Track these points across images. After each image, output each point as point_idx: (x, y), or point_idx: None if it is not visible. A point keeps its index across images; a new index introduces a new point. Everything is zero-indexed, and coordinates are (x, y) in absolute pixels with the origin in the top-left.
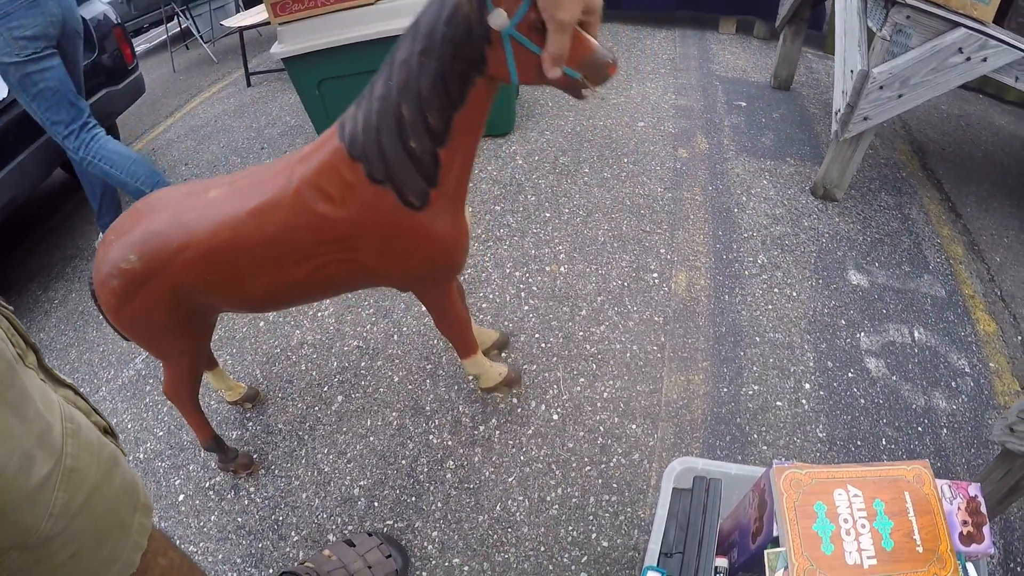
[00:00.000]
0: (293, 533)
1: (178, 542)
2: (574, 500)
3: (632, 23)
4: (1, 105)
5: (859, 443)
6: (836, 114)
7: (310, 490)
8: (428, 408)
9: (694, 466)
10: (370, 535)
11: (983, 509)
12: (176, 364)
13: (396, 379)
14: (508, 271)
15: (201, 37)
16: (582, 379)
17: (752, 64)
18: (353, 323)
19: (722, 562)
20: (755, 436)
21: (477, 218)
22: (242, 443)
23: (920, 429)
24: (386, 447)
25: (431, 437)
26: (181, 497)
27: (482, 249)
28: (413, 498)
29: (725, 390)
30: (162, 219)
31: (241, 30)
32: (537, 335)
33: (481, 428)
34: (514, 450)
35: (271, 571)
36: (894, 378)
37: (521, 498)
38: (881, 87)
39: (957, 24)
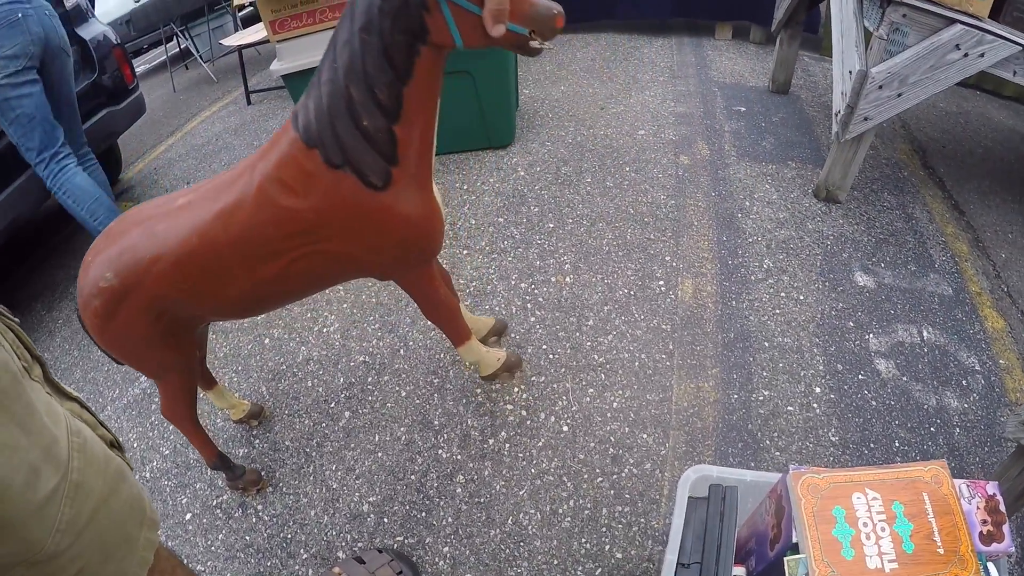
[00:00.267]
0: (302, 551)
1: (186, 561)
2: (586, 512)
3: (628, 32)
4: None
5: (872, 445)
6: (836, 116)
7: (319, 507)
8: (436, 422)
9: (709, 474)
10: (380, 552)
11: (1002, 507)
12: (168, 382)
13: (403, 394)
14: (513, 283)
15: (200, 57)
16: (591, 389)
17: (749, 69)
18: (359, 338)
19: (740, 571)
20: (767, 442)
21: (480, 230)
22: (249, 461)
23: (933, 429)
24: (395, 462)
25: (440, 451)
26: (188, 516)
27: (486, 261)
28: (423, 513)
29: (735, 396)
30: (134, 234)
31: (240, 49)
32: (544, 346)
33: (491, 441)
34: (524, 463)
35: None
36: (904, 379)
37: (533, 511)
38: (880, 87)
39: (953, 20)
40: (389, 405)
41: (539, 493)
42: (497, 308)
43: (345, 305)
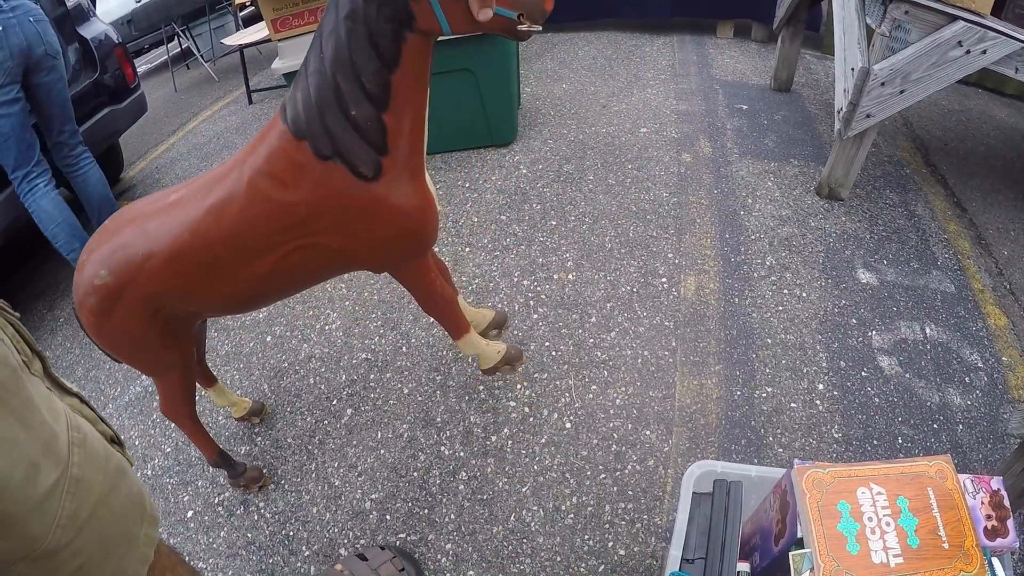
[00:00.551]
0: (304, 548)
1: (188, 558)
2: (589, 509)
3: (630, 31)
4: None
5: (875, 442)
6: (838, 113)
7: (321, 504)
8: (439, 419)
9: (713, 469)
10: (383, 549)
11: (1006, 502)
12: (167, 380)
13: (406, 391)
14: (516, 280)
15: (202, 56)
16: (594, 386)
17: (751, 67)
18: (361, 335)
19: (744, 566)
20: (770, 439)
21: (483, 228)
22: (251, 458)
23: (936, 426)
24: (397, 459)
25: (443, 448)
26: (190, 513)
27: (489, 259)
28: (426, 510)
29: (738, 393)
30: (127, 232)
31: (242, 48)
32: (547, 343)
33: (493, 438)
34: (527, 460)
35: None
36: (907, 375)
37: (536, 508)
38: (882, 84)
39: (955, 17)
40: (391, 402)
41: (542, 490)
42: (500, 305)
43: (347, 302)
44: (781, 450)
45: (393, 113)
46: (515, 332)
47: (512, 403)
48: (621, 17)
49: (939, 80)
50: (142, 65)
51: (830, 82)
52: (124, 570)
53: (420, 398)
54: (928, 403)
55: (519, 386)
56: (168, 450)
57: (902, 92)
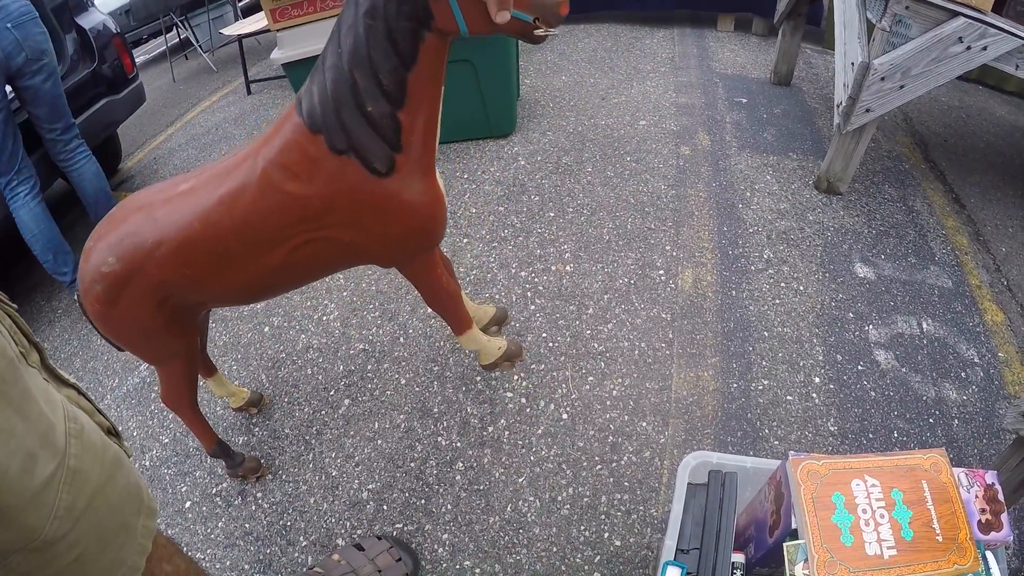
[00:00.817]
0: (301, 538)
1: (185, 549)
2: (586, 499)
3: (630, 23)
4: None
5: (871, 436)
6: (838, 107)
7: (318, 494)
8: (436, 410)
9: (709, 460)
10: (380, 539)
11: (1000, 497)
12: (170, 369)
13: (403, 381)
14: (514, 271)
15: (200, 47)
16: (591, 377)
17: (751, 61)
18: (359, 326)
19: (739, 557)
20: (766, 431)
21: (481, 219)
22: (249, 448)
23: (931, 420)
24: (394, 450)
25: (439, 439)
26: (188, 504)
27: (487, 250)
28: (422, 501)
29: (735, 386)
30: (136, 219)
31: (240, 38)
32: (544, 334)
33: (490, 429)
34: (524, 450)
35: None
36: (904, 370)
37: (532, 499)
38: (882, 78)
39: (956, 13)
40: (388, 393)
41: (538, 481)
42: (497, 296)
43: (345, 293)
44: (777, 442)
45: (408, 111)
46: (512, 323)
47: (509, 394)
48: (623, 10)
49: (939, 76)
50: (140, 55)
51: (830, 76)
52: (122, 561)
53: (417, 389)
54: (924, 398)
55: (516, 377)
56: (166, 441)
57: (902, 87)
